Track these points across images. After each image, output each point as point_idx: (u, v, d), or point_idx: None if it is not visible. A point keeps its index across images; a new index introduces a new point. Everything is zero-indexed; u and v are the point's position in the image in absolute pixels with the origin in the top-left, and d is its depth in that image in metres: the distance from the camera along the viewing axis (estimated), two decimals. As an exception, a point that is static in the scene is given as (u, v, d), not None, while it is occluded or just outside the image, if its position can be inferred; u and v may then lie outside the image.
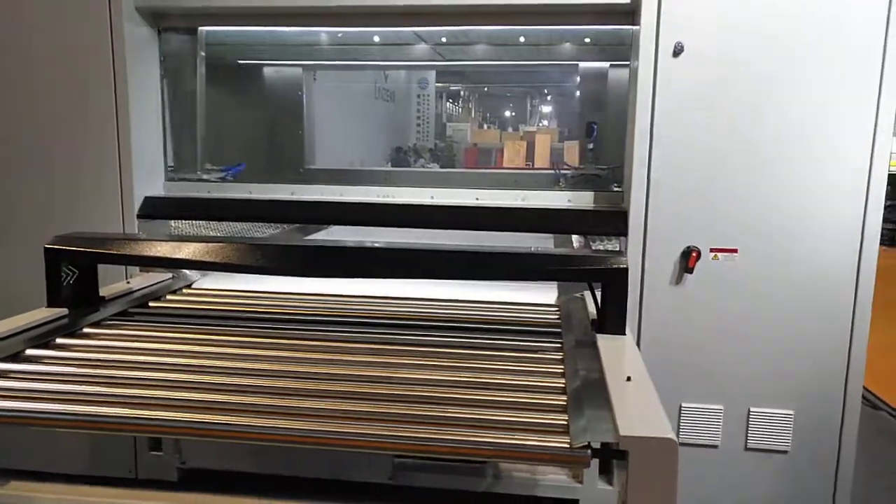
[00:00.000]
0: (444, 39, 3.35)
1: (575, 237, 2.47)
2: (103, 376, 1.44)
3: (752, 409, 2.24)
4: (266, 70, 4.11)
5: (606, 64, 2.74)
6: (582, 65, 3.01)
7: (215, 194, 2.64)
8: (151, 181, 2.53)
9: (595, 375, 1.44)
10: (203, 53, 2.80)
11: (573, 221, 2.35)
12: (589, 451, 1.16)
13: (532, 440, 1.19)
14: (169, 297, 2.16)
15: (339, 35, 3.18)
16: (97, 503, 1.19)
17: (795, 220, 2.13)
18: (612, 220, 2.26)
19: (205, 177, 2.72)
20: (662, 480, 1.12)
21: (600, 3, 2.20)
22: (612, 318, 1.71)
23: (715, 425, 2.26)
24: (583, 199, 2.40)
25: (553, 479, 2.40)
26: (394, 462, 1.97)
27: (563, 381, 1.46)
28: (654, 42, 2.10)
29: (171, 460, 2.39)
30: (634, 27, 2.19)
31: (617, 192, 2.35)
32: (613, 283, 1.69)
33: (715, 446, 2.27)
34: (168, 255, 1.85)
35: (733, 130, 2.12)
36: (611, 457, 1.16)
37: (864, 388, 2.23)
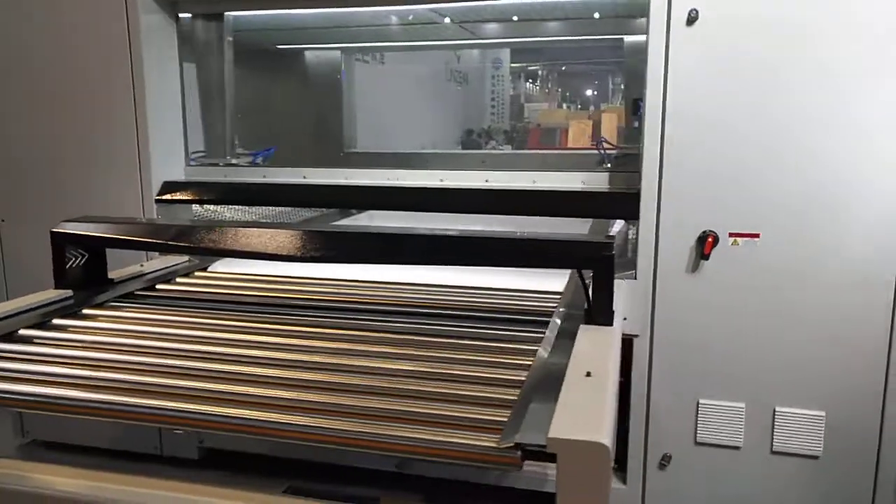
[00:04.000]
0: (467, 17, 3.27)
1: (618, 222, 2.33)
2: (93, 359, 1.46)
3: (777, 409, 2.05)
4: (305, 54, 4.15)
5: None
6: (627, 39, 2.85)
7: (238, 178, 2.67)
8: (171, 166, 2.59)
9: (558, 369, 1.35)
10: (230, 38, 2.82)
11: (583, 204, 2.22)
12: (519, 452, 1.08)
13: (461, 438, 1.12)
14: (179, 280, 2.20)
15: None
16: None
17: (825, 201, 1.92)
18: (624, 203, 2.12)
19: (233, 161, 2.76)
20: (592, 485, 1.03)
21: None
22: (598, 308, 1.60)
23: (736, 425, 2.09)
24: (596, 181, 2.27)
25: (529, 470, 2.32)
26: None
27: (524, 374, 1.38)
28: (667, 9, 1.94)
29: (192, 439, 2.48)
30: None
31: (633, 172, 2.20)
32: (598, 271, 1.58)
33: (738, 447, 2.10)
34: (165, 241, 1.88)
35: (754, 103, 1.92)
36: (541, 459, 1.08)
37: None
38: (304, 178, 2.57)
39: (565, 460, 1.03)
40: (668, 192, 2.03)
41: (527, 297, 1.98)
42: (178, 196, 2.51)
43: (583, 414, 1.12)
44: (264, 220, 2.76)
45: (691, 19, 1.93)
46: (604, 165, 2.41)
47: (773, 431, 2.06)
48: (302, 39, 4.03)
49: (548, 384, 1.28)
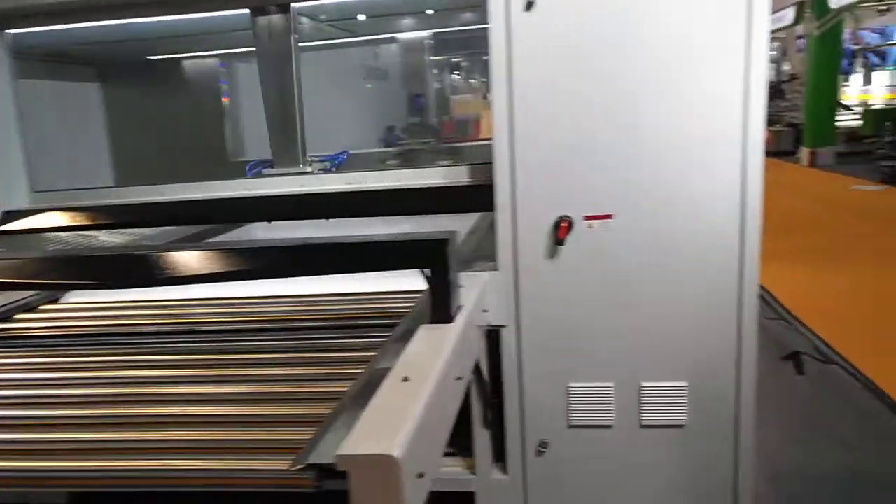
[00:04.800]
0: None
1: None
2: None
3: (643, 385, 2.09)
4: (183, 63, 4.00)
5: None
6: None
7: (96, 201, 2.53)
8: (11, 195, 2.43)
9: (381, 377, 1.32)
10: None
11: (446, 199, 2.20)
12: (314, 473, 1.05)
13: (257, 464, 1.08)
14: (18, 316, 2.07)
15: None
16: None
17: (673, 176, 1.95)
18: (480, 195, 2.10)
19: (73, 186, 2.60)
20: (387, 499, 1.00)
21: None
22: (436, 306, 1.58)
23: (606, 404, 2.12)
24: (457, 175, 2.25)
25: (447, 470, 2.30)
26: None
27: (348, 386, 1.34)
28: (503, -4, 1.93)
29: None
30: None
31: (487, 164, 2.19)
32: (433, 268, 1.56)
33: (609, 426, 2.14)
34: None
35: (599, 84, 1.93)
36: (336, 477, 1.04)
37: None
38: (163, 195, 2.45)
39: (356, 477, 1.00)
40: (521, 181, 2.02)
41: (388, 299, 1.95)
42: (20, 226, 2.35)
43: (379, 425, 1.09)
44: (135, 244, 2.63)
45: (529, 4, 1.92)
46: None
47: (640, 406, 2.10)
48: (177, 48, 3.88)
49: (365, 395, 1.25)
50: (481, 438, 2.25)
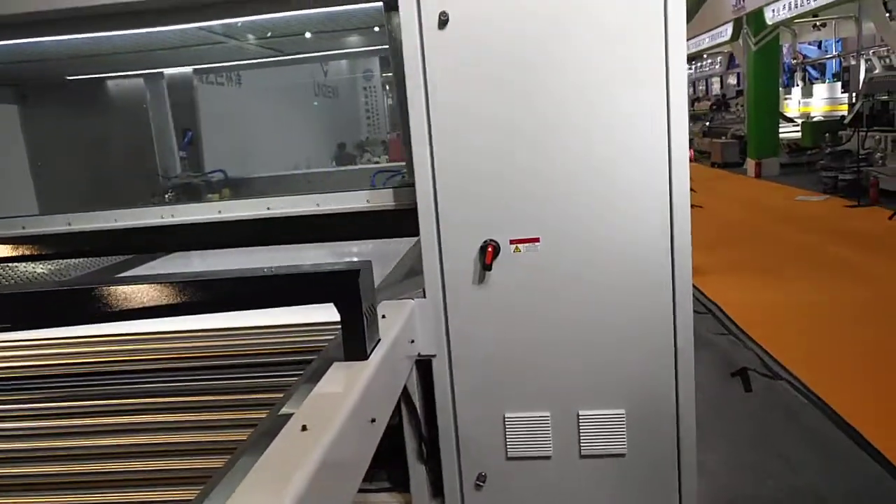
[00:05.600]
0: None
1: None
2: None
3: (580, 413, 2.01)
4: (109, 83, 3.84)
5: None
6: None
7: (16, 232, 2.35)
8: None
9: (281, 425, 1.20)
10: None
11: (371, 224, 2.10)
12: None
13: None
14: None
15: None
16: None
17: (597, 197, 1.89)
18: (404, 220, 2.01)
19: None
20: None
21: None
22: (348, 343, 1.47)
23: (543, 434, 2.03)
24: (381, 198, 2.15)
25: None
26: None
27: (245, 434, 1.22)
28: (417, 12, 1.85)
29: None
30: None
31: (412, 187, 2.10)
32: (342, 303, 1.45)
33: (548, 457, 2.05)
34: None
35: (517, 103, 1.87)
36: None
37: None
38: (69, 224, 2.28)
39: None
40: (444, 205, 1.94)
41: (306, 331, 1.83)
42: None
43: (266, 483, 0.97)
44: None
45: (442, 22, 1.85)
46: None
47: (579, 435, 2.02)
48: (105, 67, 3.71)
49: (260, 445, 1.13)
50: (417, 473, 2.14)
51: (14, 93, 3.69)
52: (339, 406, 1.25)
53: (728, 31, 13.83)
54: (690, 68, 35.50)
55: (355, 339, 1.46)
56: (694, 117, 19.95)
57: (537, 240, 1.93)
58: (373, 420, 1.39)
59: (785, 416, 3.23)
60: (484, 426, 2.06)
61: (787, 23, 12.98)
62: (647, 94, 1.82)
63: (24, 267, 2.61)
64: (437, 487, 2.14)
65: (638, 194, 1.88)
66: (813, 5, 10.74)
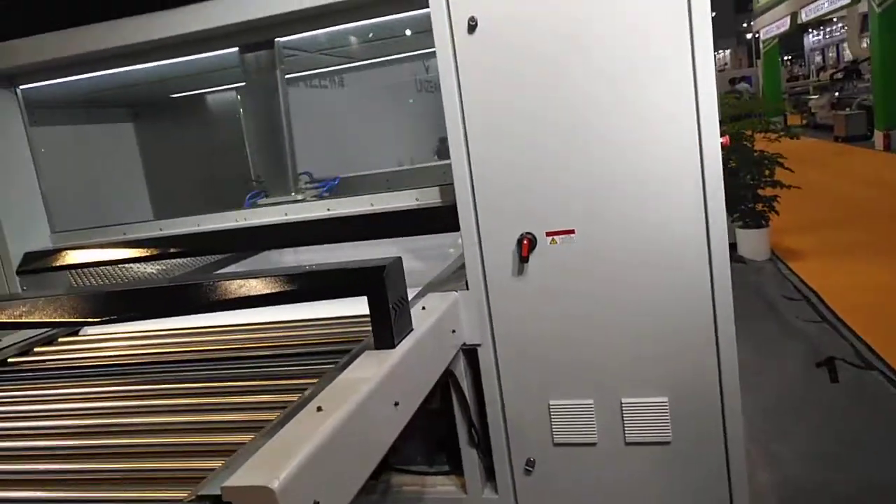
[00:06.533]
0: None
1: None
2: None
3: (623, 401, 2.04)
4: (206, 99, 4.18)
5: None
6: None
7: (107, 238, 2.68)
8: (32, 236, 2.62)
9: (302, 407, 1.35)
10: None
11: (414, 222, 2.23)
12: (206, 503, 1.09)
13: (159, 494, 1.13)
14: (38, 349, 2.22)
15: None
16: None
17: (632, 188, 1.91)
18: (448, 216, 2.11)
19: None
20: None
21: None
22: (377, 332, 1.61)
23: (588, 421, 2.07)
24: (430, 196, 2.27)
25: (441, 489, 2.32)
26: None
27: (275, 415, 1.38)
28: (447, 19, 1.94)
29: None
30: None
31: (450, 185, 2.20)
32: (370, 296, 1.58)
33: (593, 444, 2.09)
34: None
35: (547, 102, 1.92)
36: (229, 507, 1.08)
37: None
38: (199, 225, 2.55)
39: (240, 508, 1.03)
40: (482, 200, 2.02)
41: (348, 323, 1.99)
42: (42, 265, 2.53)
43: (272, 457, 1.12)
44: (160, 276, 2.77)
45: (472, 27, 1.93)
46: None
47: (623, 423, 2.05)
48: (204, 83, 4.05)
49: (278, 426, 1.29)
50: (469, 458, 2.25)
51: (128, 112, 4.14)
52: (357, 390, 1.38)
53: (849, -7, 12.76)
54: (818, 35, 32.88)
55: (383, 330, 1.59)
56: (822, 87, 18.50)
57: (573, 231, 1.98)
58: (396, 403, 1.51)
59: (872, 408, 3.03)
60: (531, 413, 2.13)
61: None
62: (674, 83, 1.82)
63: (138, 267, 2.95)
64: (489, 472, 2.24)
65: (671, 182, 1.88)
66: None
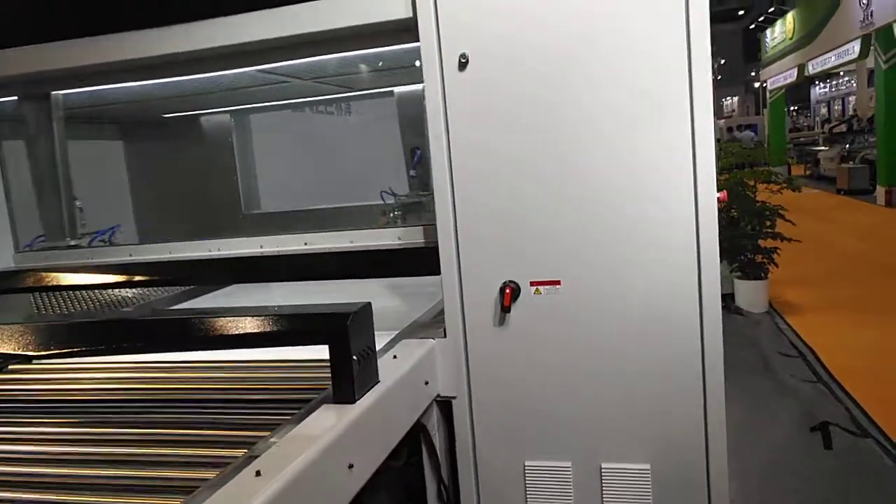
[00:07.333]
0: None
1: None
2: None
3: (603, 466, 1.91)
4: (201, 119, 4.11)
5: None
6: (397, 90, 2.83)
7: (78, 261, 2.59)
8: (-3, 256, 2.52)
9: (240, 469, 1.23)
10: (61, 114, 2.76)
11: (392, 262, 2.12)
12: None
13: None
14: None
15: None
16: None
17: (621, 239, 1.81)
18: (430, 258, 2.01)
19: (73, 242, 2.69)
20: None
21: (380, 22, 1.98)
22: (337, 384, 1.49)
23: (565, 485, 1.94)
24: (412, 236, 2.17)
25: None
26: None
27: (214, 474, 1.26)
28: (438, 57, 1.86)
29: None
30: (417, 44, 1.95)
31: (433, 225, 2.10)
32: (332, 345, 1.47)
33: (570, 511, 1.96)
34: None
35: (537, 145, 1.83)
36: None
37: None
38: (170, 252, 2.45)
39: None
40: (465, 245, 1.92)
41: (317, 367, 1.87)
42: (2, 286, 2.42)
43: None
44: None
45: (462, 64, 1.85)
46: (390, 215, 2.31)
47: (602, 489, 1.91)
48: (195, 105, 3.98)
49: (216, 487, 1.17)
50: (438, 516, 2.11)
51: (119, 129, 4.06)
52: (305, 451, 1.26)
53: (856, 48, 12.85)
54: (825, 87, 33.14)
55: (343, 382, 1.47)
56: (831, 140, 18.49)
57: (558, 282, 1.87)
58: (351, 466, 1.39)
59: (866, 478, 2.89)
60: (505, 473, 1.99)
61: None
62: (669, 133, 1.73)
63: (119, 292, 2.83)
64: (458, 533, 2.09)
65: (663, 236, 1.78)
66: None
